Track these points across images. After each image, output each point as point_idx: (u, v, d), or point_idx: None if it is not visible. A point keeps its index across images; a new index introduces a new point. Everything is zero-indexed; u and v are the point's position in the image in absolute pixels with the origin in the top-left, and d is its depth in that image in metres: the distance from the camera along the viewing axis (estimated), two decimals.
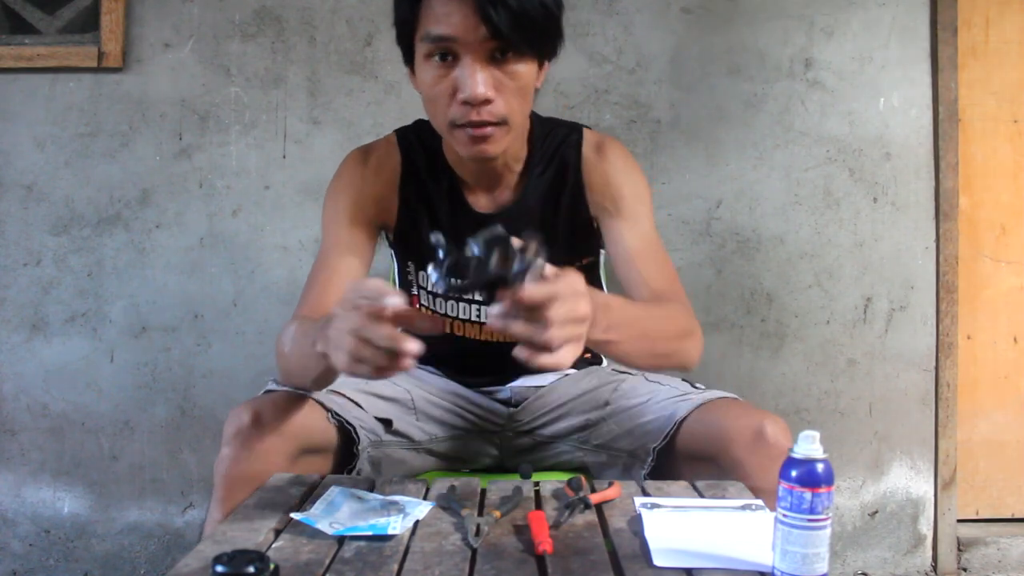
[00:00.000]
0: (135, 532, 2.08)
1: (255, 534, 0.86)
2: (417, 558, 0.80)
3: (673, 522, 0.88)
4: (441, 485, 1.02)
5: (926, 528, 2.17)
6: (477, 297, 1.29)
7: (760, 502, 0.95)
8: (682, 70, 2.09)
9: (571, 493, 0.96)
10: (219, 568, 0.67)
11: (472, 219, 1.23)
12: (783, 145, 2.10)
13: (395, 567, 0.78)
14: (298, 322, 1.08)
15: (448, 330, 1.34)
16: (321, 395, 1.15)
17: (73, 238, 2.05)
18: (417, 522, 0.89)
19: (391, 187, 1.28)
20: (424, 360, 1.41)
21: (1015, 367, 2.23)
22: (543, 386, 1.37)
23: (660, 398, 1.23)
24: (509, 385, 1.37)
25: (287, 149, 2.06)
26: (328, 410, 1.14)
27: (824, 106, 2.10)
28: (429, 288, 1.33)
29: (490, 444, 1.37)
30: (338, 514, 0.89)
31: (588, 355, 1.45)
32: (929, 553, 2.17)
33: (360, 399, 1.22)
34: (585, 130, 1.30)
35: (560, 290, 0.79)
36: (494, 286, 0.79)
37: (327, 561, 0.79)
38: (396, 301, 0.82)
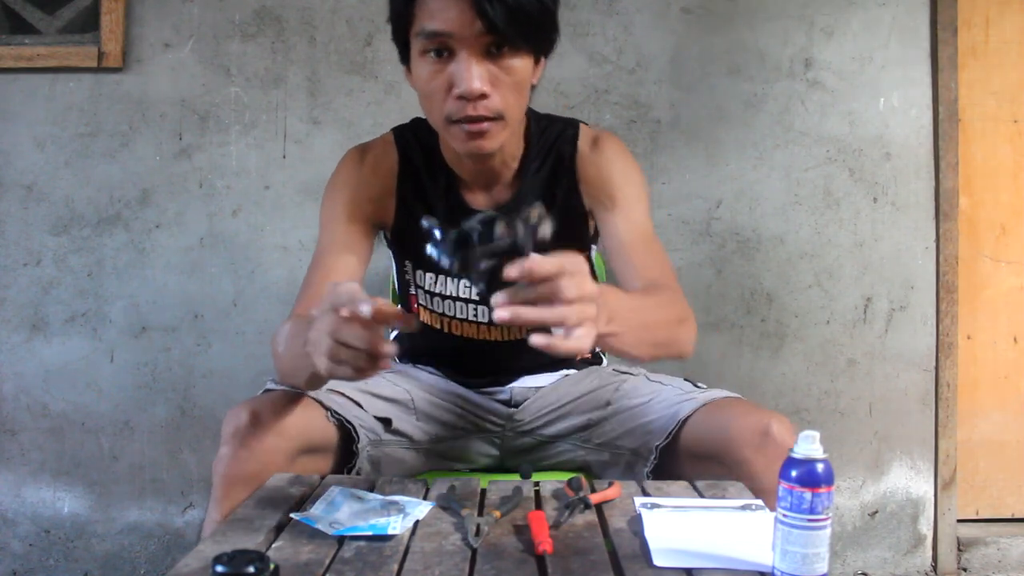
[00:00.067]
0: (135, 532, 2.08)
1: (255, 534, 0.86)
2: (417, 558, 0.80)
3: (673, 522, 0.88)
4: (441, 485, 1.02)
5: (926, 528, 2.17)
6: (475, 296, 1.29)
7: (760, 502, 0.95)
8: (682, 70, 2.09)
9: (571, 493, 0.96)
10: (219, 568, 0.67)
11: (469, 217, 1.22)
12: (783, 145, 2.10)
13: (395, 567, 0.78)
14: (292, 322, 1.08)
15: (447, 330, 1.34)
16: (320, 394, 1.15)
17: (73, 238, 2.05)
18: (417, 522, 0.89)
19: (388, 186, 1.28)
20: (424, 360, 1.42)
21: (1015, 367, 2.23)
22: (543, 387, 1.37)
23: (663, 397, 1.23)
24: (509, 386, 1.37)
25: (287, 149, 2.06)
26: (327, 409, 1.14)
27: (824, 106, 2.10)
28: (427, 288, 1.33)
29: (490, 444, 1.37)
30: (338, 514, 0.89)
31: (588, 355, 1.45)
32: (929, 553, 2.17)
33: (360, 398, 1.22)
34: (582, 125, 1.29)
35: (568, 265, 0.78)
36: (500, 255, 0.77)
37: (327, 561, 0.79)
38: (367, 309, 0.81)
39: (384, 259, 1.45)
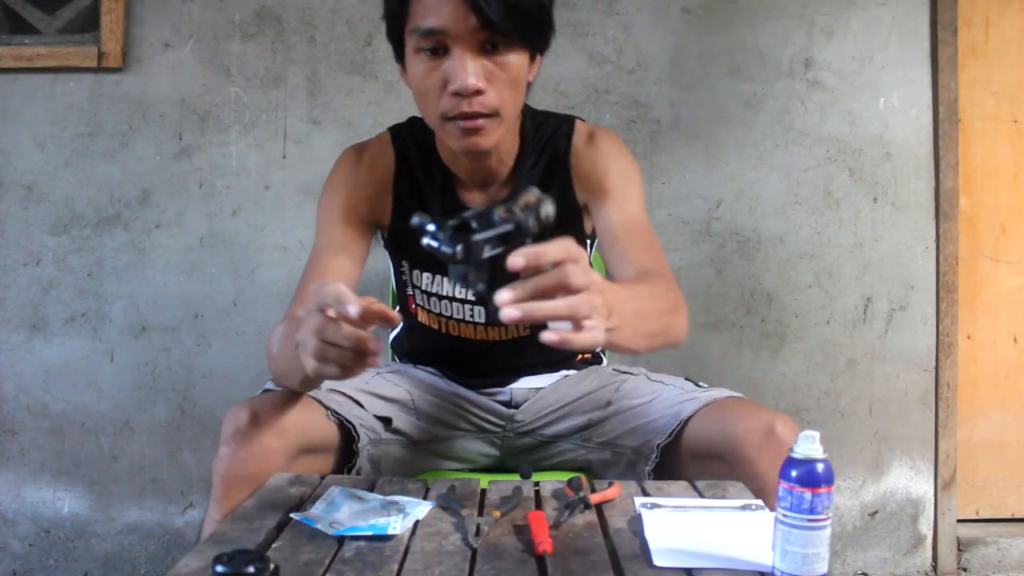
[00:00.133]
0: (135, 532, 2.08)
1: (255, 534, 0.86)
2: (417, 558, 0.80)
3: (673, 522, 0.88)
4: (441, 485, 1.01)
5: (926, 528, 2.17)
6: (471, 297, 1.29)
7: (760, 502, 0.95)
8: (682, 70, 2.09)
9: (571, 493, 0.96)
10: (219, 568, 0.66)
11: None
12: (783, 145, 2.10)
13: (395, 567, 0.78)
14: (286, 324, 1.07)
15: (444, 330, 1.34)
16: (320, 393, 1.15)
17: (73, 238, 2.05)
18: (417, 522, 0.89)
19: (385, 185, 1.27)
20: (423, 361, 1.42)
21: (1015, 367, 2.23)
22: (543, 387, 1.37)
23: (665, 397, 1.22)
24: (509, 387, 1.37)
25: (287, 149, 2.06)
26: (327, 408, 1.14)
27: (824, 106, 2.10)
28: (424, 288, 1.32)
29: (490, 444, 1.37)
30: (338, 514, 0.89)
31: (588, 355, 1.45)
32: (929, 553, 2.17)
33: (360, 398, 1.22)
34: (578, 121, 1.29)
35: (573, 250, 0.77)
36: (503, 239, 0.76)
37: (327, 561, 0.79)
38: (354, 309, 0.81)
39: (385, 259, 1.45)
